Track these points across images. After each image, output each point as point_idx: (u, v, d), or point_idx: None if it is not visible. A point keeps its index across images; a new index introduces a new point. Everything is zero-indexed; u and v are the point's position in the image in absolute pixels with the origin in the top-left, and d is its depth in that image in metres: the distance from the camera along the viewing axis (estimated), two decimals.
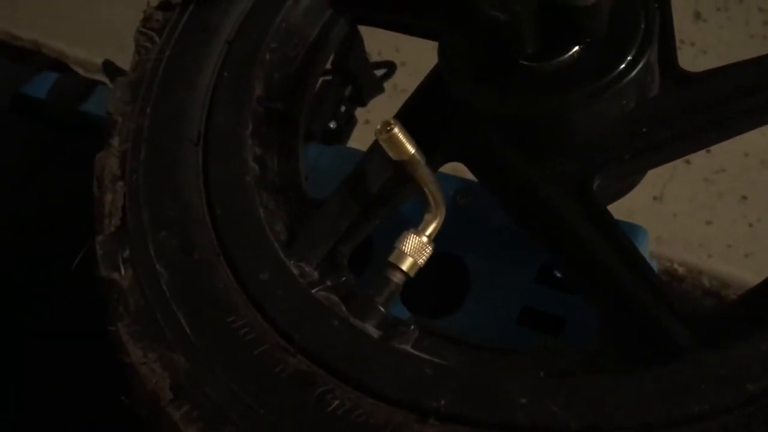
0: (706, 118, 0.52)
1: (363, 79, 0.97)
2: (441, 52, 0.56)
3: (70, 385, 0.78)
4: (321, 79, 0.95)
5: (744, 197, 1.62)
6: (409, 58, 1.37)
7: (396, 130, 0.52)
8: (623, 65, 0.50)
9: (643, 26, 0.51)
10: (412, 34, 0.67)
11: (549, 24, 0.47)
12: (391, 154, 0.53)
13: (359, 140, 1.18)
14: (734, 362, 0.42)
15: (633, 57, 0.50)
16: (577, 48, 0.50)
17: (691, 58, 1.83)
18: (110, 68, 1.12)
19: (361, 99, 1.00)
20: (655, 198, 1.62)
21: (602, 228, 0.51)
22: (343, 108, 0.98)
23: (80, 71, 2.01)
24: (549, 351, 0.51)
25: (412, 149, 0.53)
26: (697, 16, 1.91)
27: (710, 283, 1.58)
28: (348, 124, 1.00)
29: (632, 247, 0.50)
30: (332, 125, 0.98)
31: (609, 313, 0.50)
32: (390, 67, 1.08)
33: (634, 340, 0.48)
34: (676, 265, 1.60)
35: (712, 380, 0.42)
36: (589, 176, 0.52)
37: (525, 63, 0.51)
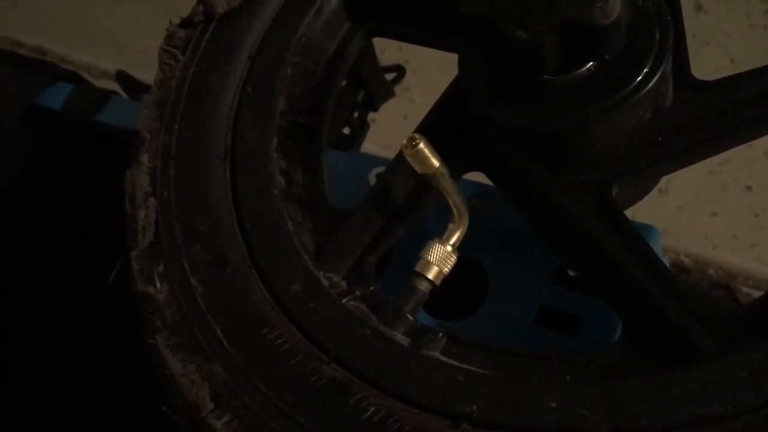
0: (720, 125, 0.54)
1: (375, 85, 0.99)
2: (461, 66, 0.58)
3: (98, 398, 0.79)
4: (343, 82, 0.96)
5: (749, 188, 1.64)
6: (412, 56, 1.38)
7: (422, 145, 0.54)
8: (640, 78, 0.52)
9: (658, 38, 0.53)
10: (431, 47, 0.69)
11: (569, 42, 0.49)
12: (416, 168, 0.55)
13: (365, 139, 1.20)
14: (755, 364, 0.44)
15: (649, 69, 0.52)
16: (594, 62, 0.52)
17: (693, 50, 1.85)
18: (124, 78, 1.14)
19: (373, 104, 1.02)
20: (660, 190, 1.64)
21: (623, 235, 0.52)
22: (356, 114, 0.99)
23: (84, 75, 2.04)
24: (574, 356, 0.53)
25: (437, 163, 0.55)
26: (698, 7, 1.92)
27: (717, 274, 1.60)
28: (361, 129, 1.02)
29: (652, 253, 0.52)
30: (346, 131, 1.00)
31: (631, 319, 0.51)
32: (400, 71, 1.09)
33: (657, 345, 0.49)
34: (682, 257, 1.62)
35: (733, 382, 0.44)
36: (607, 185, 0.54)
37: (544, 77, 0.53)
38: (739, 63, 1.78)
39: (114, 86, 1.19)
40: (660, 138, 0.54)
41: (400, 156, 0.58)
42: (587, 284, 0.55)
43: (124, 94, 1.14)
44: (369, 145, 1.57)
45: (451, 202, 0.57)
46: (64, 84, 1.13)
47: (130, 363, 0.58)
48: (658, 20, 0.53)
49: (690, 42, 1.83)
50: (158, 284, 0.57)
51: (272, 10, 0.69)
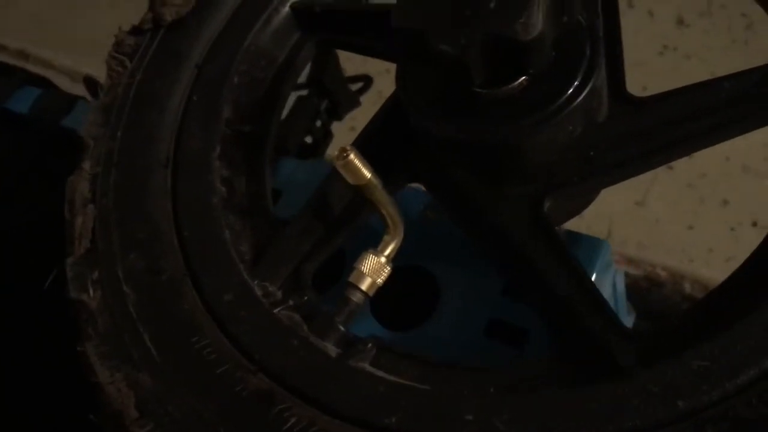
0: (652, 142, 0.54)
1: (339, 94, 0.99)
2: (398, 79, 0.58)
3: (39, 402, 0.79)
4: (297, 95, 0.97)
5: (725, 201, 1.64)
6: (393, 65, 1.39)
7: (352, 156, 0.54)
8: (569, 93, 0.52)
9: (588, 54, 0.53)
10: (378, 57, 0.69)
11: (494, 56, 0.49)
12: (348, 179, 0.55)
13: (340, 143, 1.20)
14: (666, 380, 0.44)
15: (578, 84, 0.52)
16: (524, 76, 0.52)
17: (674, 64, 1.86)
18: (91, 84, 1.14)
19: (337, 113, 1.03)
20: (637, 203, 1.65)
21: (551, 250, 0.53)
22: (318, 123, 1.00)
23: (66, 80, 2.04)
24: (501, 368, 0.53)
25: (368, 174, 0.55)
26: (680, 21, 1.93)
27: (692, 287, 1.60)
28: (324, 138, 1.02)
29: (580, 268, 0.52)
30: (308, 140, 1.01)
31: (557, 332, 0.52)
32: (366, 81, 1.10)
33: (580, 360, 0.50)
34: (658, 270, 1.62)
35: (645, 397, 0.44)
36: (539, 198, 0.54)
37: (476, 90, 0.53)
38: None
39: None
40: (592, 152, 0.55)
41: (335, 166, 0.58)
42: (520, 295, 0.55)
43: (92, 100, 1.14)
44: None
45: (384, 213, 0.57)
46: (32, 88, 1.13)
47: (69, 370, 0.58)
48: (589, 36, 0.53)
49: (671, 55, 1.83)
50: (91, 291, 0.57)
51: (221, 19, 0.69)
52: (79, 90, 1.34)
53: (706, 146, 0.55)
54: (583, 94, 0.52)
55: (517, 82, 0.53)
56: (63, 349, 0.71)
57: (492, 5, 0.48)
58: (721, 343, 0.45)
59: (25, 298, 0.94)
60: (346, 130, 1.20)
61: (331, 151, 1.13)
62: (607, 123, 0.56)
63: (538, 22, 0.47)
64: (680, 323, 0.50)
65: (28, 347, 0.89)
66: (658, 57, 1.87)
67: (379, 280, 0.57)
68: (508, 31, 0.47)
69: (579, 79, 0.52)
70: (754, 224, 1.61)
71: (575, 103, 0.52)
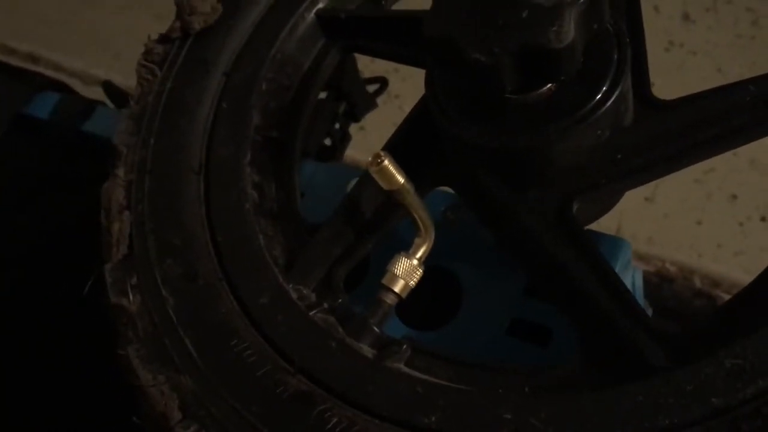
0: (677, 144, 0.55)
1: (356, 96, 1.01)
2: (427, 85, 0.59)
3: (74, 406, 0.80)
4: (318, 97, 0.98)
5: (734, 196, 1.65)
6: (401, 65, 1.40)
7: (386, 162, 0.55)
8: (597, 98, 0.53)
9: (616, 59, 0.55)
10: (405, 63, 0.70)
11: (526, 64, 0.50)
12: (382, 184, 0.56)
13: (355, 147, 1.21)
14: (700, 378, 0.46)
15: (606, 90, 0.53)
16: (554, 83, 0.53)
17: (681, 59, 1.87)
18: (110, 88, 1.15)
19: (354, 115, 1.04)
20: (646, 199, 1.66)
21: (581, 252, 0.54)
22: (337, 125, 1.01)
23: (77, 83, 2.05)
24: (534, 368, 0.55)
25: (401, 179, 0.56)
26: (686, 17, 1.94)
27: (701, 282, 1.61)
28: (342, 140, 1.03)
29: (609, 269, 0.53)
30: (327, 142, 1.02)
31: (587, 333, 0.53)
32: (382, 83, 1.11)
33: (611, 359, 0.51)
34: (668, 265, 1.63)
35: (679, 395, 0.45)
36: (567, 202, 0.56)
37: (506, 96, 0.54)
38: (725, 73, 1.80)
39: None
40: (619, 155, 0.56)
41: (368, 173, 0.59)
42: (548, 298, 0.57)
43: (110, 104, 1.16)
44: (359, 153, 1.59)
45: (416, 217, 0.59)
46: (52, 93, 1.15)
47: (107, 372, 0.60)
48: (616, 42, 0.55)
49: (678, 51, 1.84)
50: (131, 296, 0.58)
51: (248, 27, 0.70)
52: (91, 92, 1.36)
53: (730, 148, 0.56)
54: (612, 99, 0.53)
55: (546, 88, 0.54)
56: (84, 353, 0.72)
57: (525, 15, 0.49)
58: (754, 341, 0.46)
59: (50, 302, 0.95)
60: (355, 129, 1.21)
61: (349, 152, 1.15)
62: (633, 127, 0.57)
63: (570, 30, 0.48)
64: (708, 324, 0.51)
65: (45, 349, 0.91)
66: (664, 53, 1.88)
67: (412, 282, 0.59)
68: (540, 40, 0.48)
69: (607, 84, 0.53)
70: (763, 219, 1.62)
71: (603, 108, 0.53)
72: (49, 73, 2.06)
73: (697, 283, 1.61)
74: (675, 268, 1.63)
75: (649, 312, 0.99)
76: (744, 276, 1.58)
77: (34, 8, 2.23)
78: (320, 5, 0.72)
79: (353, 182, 0.84)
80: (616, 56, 0.54)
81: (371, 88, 1.09)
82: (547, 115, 0.53)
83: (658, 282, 1.61)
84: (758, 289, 0.51)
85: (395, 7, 0.78)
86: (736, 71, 1.79)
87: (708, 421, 0.44)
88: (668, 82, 1.73)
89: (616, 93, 0.54)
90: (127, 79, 1.21)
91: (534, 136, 0.54)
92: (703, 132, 0.55)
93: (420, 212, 0.59)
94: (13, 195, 1.08)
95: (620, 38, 0.55)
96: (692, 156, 0.56)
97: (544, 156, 0.55)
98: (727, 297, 1.55)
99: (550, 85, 0.54)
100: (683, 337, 0.50)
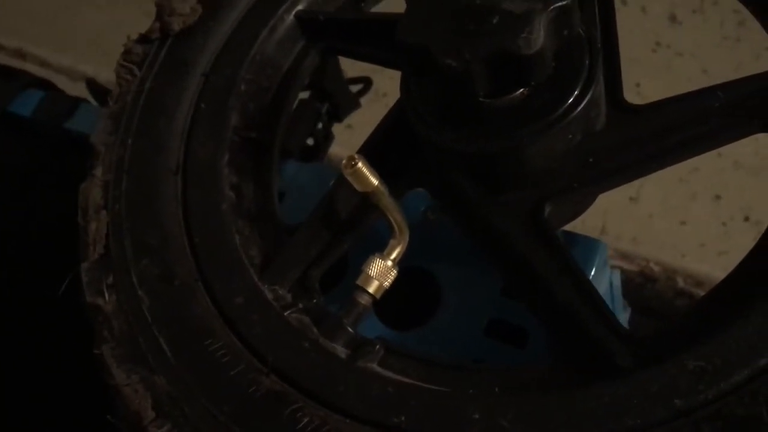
0: (649, 148, 0.56)
1: (339, 97, 1.01)
2: (402, 89, 0.60)
3: (55, 404, 0.81)
4: (298, 98, 0.98)
5: (717, 197, 1.67)
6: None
7: (360, 164, 0.56)
8: (568, 102, 0.54)
9: (587, 64, 0.55)
10: (383, 65, 0.71)
11: (497, 69, 0.51)
12: (356, 186, 0.57)
13: (342, 144, 1.22)
14: (664, 379, 0.47)
15: (577, 95, 0.54)
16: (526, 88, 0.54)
17: (667, 61, 1.88)
18: (93, 86, 1.15)
19: (337, 115, 1.04)
20: (631, 199, 1.67)
21: (552, 254, 0.55)
22: (320, 125, 1.01)
23: (64, 78, 2.04)
24: (505, 368, 0.55)
25: (375, 181, 0.57)
26: (673, 18, 1.95)
27: (685, 282, 1.62)
28: (325, 140, 1.04)
29: (580, 272, 0.54)
30: (310, 142, 1.02)
31: (558, 334, 0.54)
32: (366, 83, 1.11)
33: (580, 360, 0.52)
34: (651, 265, 1.64)
35: (644, 396, 0.46)
36: (540, 204, 0.56)
37: (478, 100, 0.55)
38: (711, 74, 1.81)
39: None
40: (591, 159, 0.57)
41: (343, 175, 0.60)
42: (521, 299, 0.57)
43: (94, 102, 1.16)
44: (345, 151, 1.59)
45: (391, 218, 0.59)
46: (36, 91, 1.15)
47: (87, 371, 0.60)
48: (588, 47, 0.55)
49: (664, 52, 1.84)
50: (107, 296, 0.59)
51: (227, 28, 0.71)
52: (79, 88, 1.35)
53: (700, 153, 0.57)
54: (582, 104, 0.54)
55: (518, 92, 0.55)
56: (66, 351, 0.72)
57: (495, 21, 0.49)
58: (716, 343, 0.47)
59: (31, 300, 0.95)
60: (342, 128, 1.21)
61: (333, 150, 1.15)
62: (605, 131, 0.57)
63: (539, 37, 0.49)
64: (677, 325, 0.52)
65: (29, 347, 0.91)
66: (650, 54, 1.89)
67: (386, 283, 0.59)
68: (510, 47, 0.49)
69: (578, 89, 0.54)
70: (746, 219, 1.64)
71: (574, 113, 0.54)
72: (36, 69, 2.06)
73: (681, 282, 1.62)
74: (659, 268, 1.64)
75: (628, 312, 1.00)
76: None
77: (22, 4, 2.22)
78: (299, 7, 0.72)
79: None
80: (587, 62, 0.55)
81: (355, 88, 1.09)
82: (519, 120, 0.54)
83: (641, 282, 1.62)
84: (724, 290, 0.52)
85: (376, 9, 0.79)
86: (722, 72, 1.80)
87: (671, 422, 0.45)
88: (654, 83, 1.74)
89: (587, 98, 0.54)
90: (113, 75, 1.21)
91: (506, 140, 0.54)
92: (673, 136, 0.56)
93: (394, 214, 0.59)
94: None
95: (592, 44, 0.56)
96: (663, 160, 0.57)
97: (517, 159, 0.55)
98: None
99: (522, 89, 0.54)
100: (653, 339, 0.51)
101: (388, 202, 0.58)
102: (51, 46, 2.14)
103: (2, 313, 0.94)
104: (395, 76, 0.70)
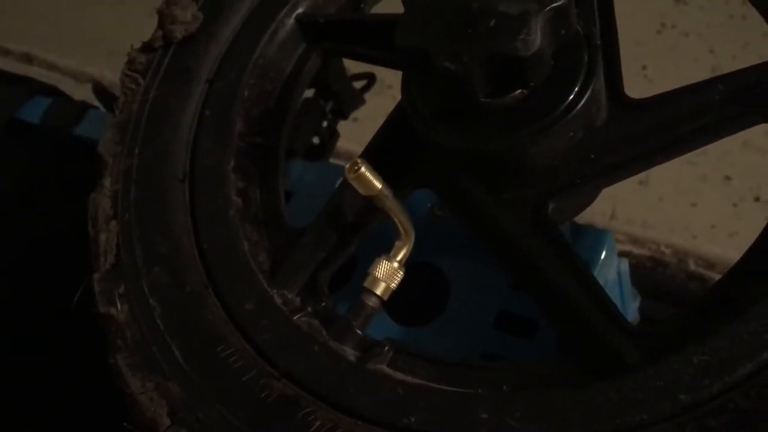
0: (651, 142, 0.56)
1: (344, 94, 1.01)
2: (404, 90, 0.60)
3: (68, 411, 0.82)
4: (302, 97, 0.99)
5: (727, 178, 1.66)
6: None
7: (363, 169, 0.56)
8: (569, 100, 0.54)
9: (586, 61, 0.55)
10: (384, 66, 0.71)
11: (496, 71, 0.51)
12: (360, 190, 0.58)
13: (349, 138, 1.22)
14: (671, 374, 0.47)
15: (577, 92, 0.54)
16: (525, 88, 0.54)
17: (673, 41, 1.87)
18: (100, 91, 1.16)
19: (342, 113, 1.05)
20: (640, 182, 1.66)
21: (557, 251, 0.55)
22: (325, 123, 1.02)
23: (71, 81, 2.06)
24: (512, 365, 0.56)
25: (379, 185, 0.57)
26: None
27: (696, 264, 1.62)
28: (331, 138, 1.04)
29: (586, 269, 0.54)
30: (315, 141, 1.03)
31: (564, 331, 0.54)
32: (370, 79, 1.12)
33: (587, 357, 0.52)
34: (662, 248, 1.64)
35: (650, 392, 0.47)
36: (543, 201, 0.57)
37: (478, 100, 0.55)
38: (718, 53, 1.80)
39: None
40: (593, 155, 0.57)
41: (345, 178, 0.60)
42: (528, 295, 0.58)
43: (101, 107, 1.16)
44: (352, 144, 1.59)
45: (396, 220, 0.60)
46: (43, 98, 1.16)
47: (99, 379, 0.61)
48: (586, 44, 0.56)
49: (669, 33, 1.83)
50: (119, 305, 0.60)
51: (229, 34, 0.71)
52: (85, 90, 1.36)
53: (702, 145, 0.57)
54: (583, 101, 0.54)
55: (518, 91, 0.55)
56: (77, 358, 0.73)
57: (492, 24, 0.50)
58: (721, 337, 0.47)
59: (38, 305, 0.96)
60: (348, 120, 1.22)
61: (339, 143, 1.16)
62: (606, 126, 0.58)
63: (537, 38, 0.49)
64: (683, 319, 0.52)
65: (39, 354, 0.92)
66: (656, 35, 1.87)
67: (393, 285, 0.60)
68: (508, 49, 0.49)
69: (578, 86, 0.54)
70: (757, 199, 1.63)
71: (575, 111, 0.54)
72: (44, 72, 2.07)
73: (692, 265, 1.62)
74: (669, 251, 1.64)
75: (638, 300, 1.00)
76: (738, 256, 1.60)
77: (28, 9, 2.23)
78: (300, 10, 0.73)
79: (342, 180, 0.86)
80: (586, 58, 0.55)
81: (359, 84, 1.10)
82: (520, 119, 0.54)
83: (652, 266, 1.62)
84: (728, 284, 0.52)
85: (375, 9, 0.79)
86: (729, 51, 1.79)
87: (677, 417, 0.45)
88: (661, 65, 1.74)
89: (587, 95, 0.54)
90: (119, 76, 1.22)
91: (508, 140, 0.55)
92: (675, 130, 0.56)
93: (399, 216, 0.60)
94: (6, 200, 1.09)
95: (591, 40, 0.56)
96: (665, 153, 0.57)
97: (519, 158, 0.56)
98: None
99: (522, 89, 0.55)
100: (658, 334, 0.51)
101: (392, 204, 0.59)
102: (57, 49, 2.15)
103: (8, 321, 0.95)
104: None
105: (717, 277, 1.57)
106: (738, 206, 1.63)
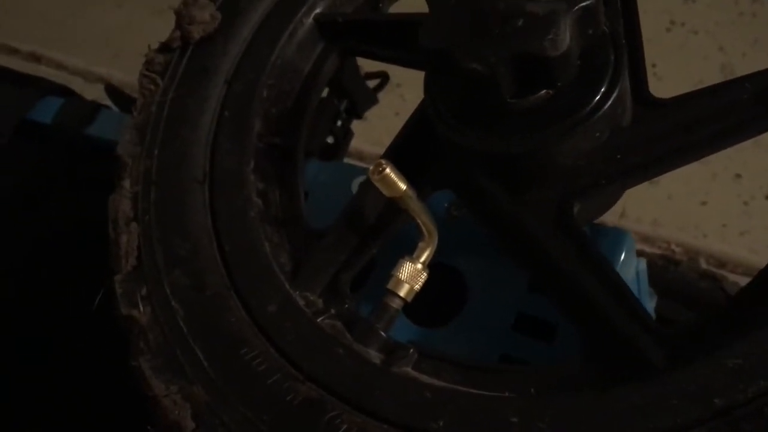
0: (675, 143, 0.56)
1: (357, 93, 1.01)
2: (426, 90, 0.60)
3: (73, 412, 0.81)
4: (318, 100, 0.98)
5: (738, 176, 1.65)
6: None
7: (388, 170, 0.56)
8: (595, 101, 0.54)
9: (612, 61, 0.55)
10: (402, 65, 0.71)
11: (522, 72, 0.51)
12: (384, 192, 0.57)
13: (358, 137, 1.22)
14: (702, 378, 0.47)
15: (604, 92, 0.54)
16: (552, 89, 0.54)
17: (682, 39, 1.86)
18: (112, 91, 1.16)
19: (356, 112, 1.04)
20: (650, 181, 1.66)
21: (582, 253, 0.54)
22: (339, 123, 1.02)
23: (79, 80, 2.05)
24: (538, 368, 0.55)
25: (403, 186, 0.57)
26: None
27: (707, 262, 1.61)
28: (345, 137, 1.04)
29: (611, 270, 0.54)
30: (330, 140, 1.02)
31: (589, 333, 0.54)
32: (383, 78, 1.11)
33: (612, 360, 0.52)
34: (673, 246, 1.64)
35: (682, 396, 0.46)
36: (567, 203, 0.56)
37: (503, 101, 0.54)
38: (727, 51, 1.79)
39: None
40: (618, 156, 0.56)
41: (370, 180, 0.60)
42: (550, 298, 0.57)
43: (114, 107, 1.16)
44: (362, 143, 1.59)
45: (419, 222, 0.59)
46: (55, 98, 1.15)
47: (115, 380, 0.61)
48: (612, 44, 0.55)
49: (679, 31, 1.82)
50: (141, 308, 0.59)
51: (247, 34, 0.71)
52: (94, 90, 1.36)
53: (729, 145, 0.57)
54: (609, 102, 0.54)
55: (544, 92, 0.54)
56: (89, 359, 0.73)
57: (520, 24, 0.49)
58: (755, 341, 0.47)
59: (55, 308, 0.96)
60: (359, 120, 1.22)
61: (352, 143, 1.15)
62: (631, 126, 0.57)
63: (565, 38, 0.49)
64: (711, 321, 0.52)
65: (50, 355, 0.92)
66: (665, 33, 1.87)
67: (417, 286, 0.60)
68: (536, 49, 0.49)
69: (605, 86, 0.54)
70: (767, 197, 1.62)
71: (601, 111, 0.54)
72: (52, 71, 2.07)
73: (703, 263, 1.61)
74: (680, 250, 1.64)
75: (654, 300, 0.99)
76: (749, 255, 1.59)
77: (35, 8, 2.23)
78: (318, 10, 0.72)
79: (357, 180, 0.85)
80: (612, 58, 0.55)
81: (372, 83, 1.10)
82: (545, 119, 0.54)
83: (664, 264, 1.61)
84: (759, 288, 0.52)
85: (393, 9, 0.78)
86: (738, 49, 1.78)
87: (710, 421, 0.45)
88: (671, 63, 1.73)
89: (614, 95, 0.54)
90: (127, 75, 1.21)
91: (533, 140, 0.54)
92: (701, 130, 0.56)
93: (422, 217, 0.59)
94: (18, 200, 1.09)
95: (616, 40, 0.55)
96: (690, 154, 0.56)
97: (544, 159, 0.55)
98: (732, 277, 1.56)
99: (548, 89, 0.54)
100: (685, 335, 0.51)
101: (416, 205, 0.59)
102: (65, 49, 2.15)
103: (19, 322, 0.95)
104: None
105: (728, 275, 1.57)
106: (749, 204, 1.63)
